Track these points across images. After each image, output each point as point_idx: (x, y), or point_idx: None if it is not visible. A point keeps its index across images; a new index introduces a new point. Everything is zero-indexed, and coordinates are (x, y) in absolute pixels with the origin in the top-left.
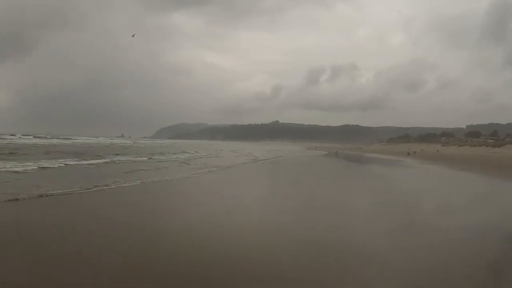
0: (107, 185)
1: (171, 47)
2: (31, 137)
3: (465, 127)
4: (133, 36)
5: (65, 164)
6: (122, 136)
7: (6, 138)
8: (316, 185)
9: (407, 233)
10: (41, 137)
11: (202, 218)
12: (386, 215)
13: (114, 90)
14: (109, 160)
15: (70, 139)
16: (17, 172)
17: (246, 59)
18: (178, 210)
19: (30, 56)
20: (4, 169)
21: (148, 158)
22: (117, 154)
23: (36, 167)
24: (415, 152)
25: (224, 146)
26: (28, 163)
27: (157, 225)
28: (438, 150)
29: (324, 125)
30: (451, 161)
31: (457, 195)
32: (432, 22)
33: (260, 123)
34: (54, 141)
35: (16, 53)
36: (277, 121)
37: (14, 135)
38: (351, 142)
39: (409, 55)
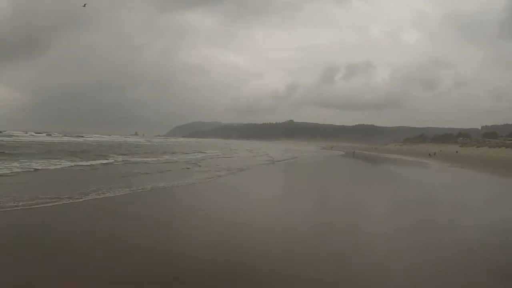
0: (82, 196)
1: (185, 46)
2: (44, 134)
3: (480, 128)
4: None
5: (59, 165)
6: (136, 134)
7: (14, 135)
8: (342, 192)
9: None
10: (53, 135)
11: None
12: (425, 227)
13: (129, 89)
14: (112, 160)
15: (82, 137)
16: None
17: (261, 57)
18: (159, 239)
19: (45, 57)
20: None
21: (156, 159)
22: (123, 154)
23: (19, 170)
24: (435, 153)
25: (239, 145)
26: (15, 164)
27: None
28: (457, 151)
29: (338, 124)
30: (475, 163)
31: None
32: (448, 18)
33: (274, 122)
34: (65, 139)
35: (31, 54)
36: (292, 120)
37: (26, 132)
38: (366, 141)
39: (425, 53)
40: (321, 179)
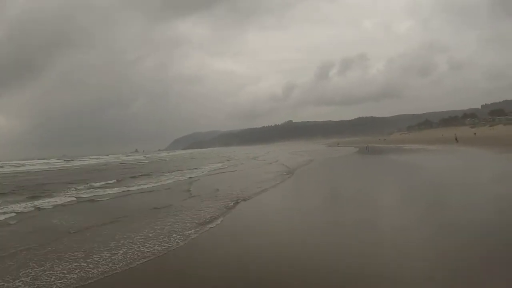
0: None
1: (179, 56)
2: (45, 160)
3: (480, 107)
4: None
5: None
6: (136, 151)
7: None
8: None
9: None
10: (33, 163)
11: None
12: None
13: (127, 105)
14: (72, 199)
15: (72, 160)
16: None
17: (256, 60)
18: None
19: (41, 80)
20: None
21: (138, 187)
22: (89, 186)
23: None
24: (456, 139)
25: (241, 152)
26: None
27: None
28: (474, 133)
29: (337, 120)
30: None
31: None
32: (439, 2)
33: (273, 125)
34: (41, 166)
35: (27, 78)
36: (291, 121)
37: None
38: (368, 134)
39: (419, 40)
40: (373, 192)
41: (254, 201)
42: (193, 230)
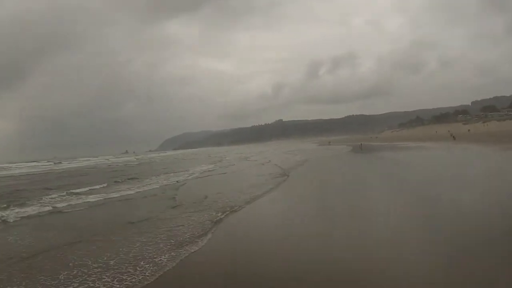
0: None
1: (170, 57)
2: (34, 163)
3: (470, 104)
4: None
5: None
6: (126, 152)
7: None
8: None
9: None
10: (18, 166)
11: None
12: None
13: (119, 106)
14: (46, 208)
15: (61, 163)
16: None
17: (246, 60)
18: None
19: (30, 82)
20: None
21: (118, 195)
22: (69, 193)
23: None
24: (452, 136)
25: (232, 152)
26: None
27: None
28: (468, 130)
29: (327, 118)
30: None
31: None
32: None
33: (263, 124)
34: (47, 167)
35: (18, 81)
36: (281, 120)
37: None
38: (359, 132)
39: (408, 37)
40: (382, 201)
41: (246, 212)
42: (167, 256)
